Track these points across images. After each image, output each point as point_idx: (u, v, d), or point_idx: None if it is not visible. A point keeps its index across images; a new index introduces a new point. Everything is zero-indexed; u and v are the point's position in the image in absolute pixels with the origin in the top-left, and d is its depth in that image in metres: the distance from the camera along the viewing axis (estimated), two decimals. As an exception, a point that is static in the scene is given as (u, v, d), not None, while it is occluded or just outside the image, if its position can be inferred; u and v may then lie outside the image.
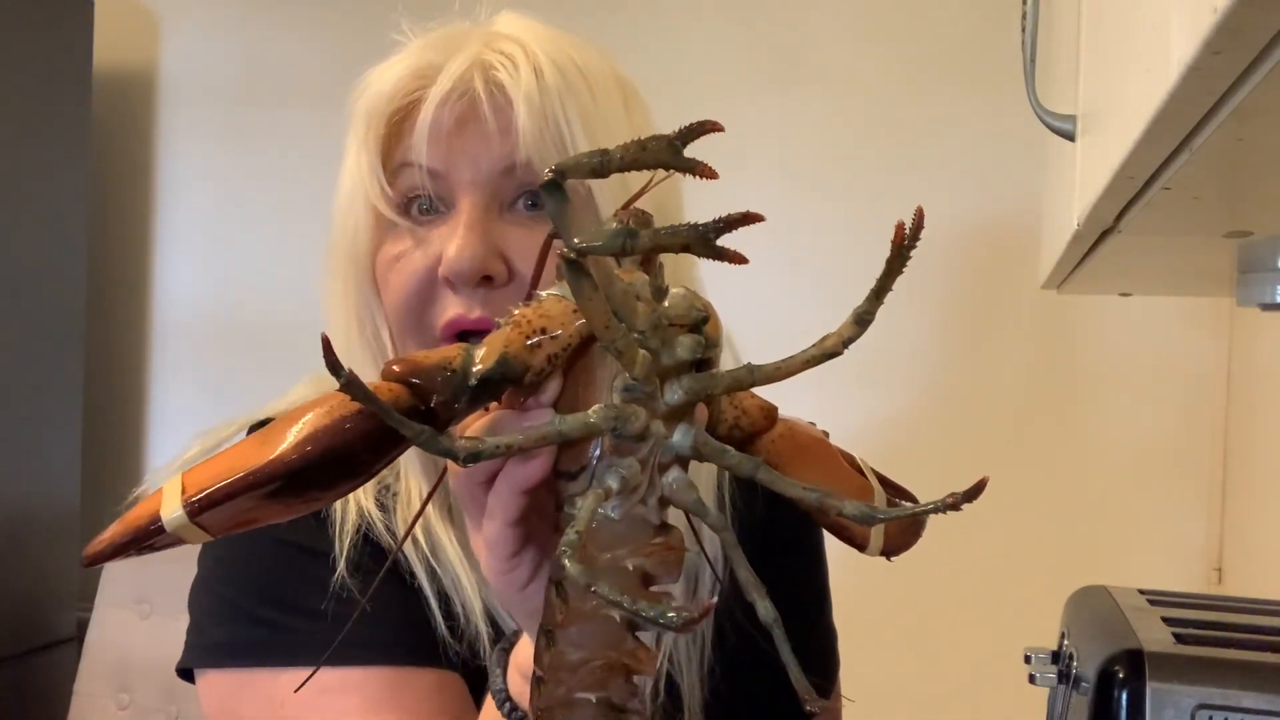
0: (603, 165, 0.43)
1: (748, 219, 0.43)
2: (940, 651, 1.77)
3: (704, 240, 0.44)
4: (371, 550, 0.75)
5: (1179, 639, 0.71)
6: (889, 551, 0.58)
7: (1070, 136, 0.70)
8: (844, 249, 1.80)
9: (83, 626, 1.78)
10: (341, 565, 0.74)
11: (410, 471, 0.77)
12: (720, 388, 0.50)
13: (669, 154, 0.44)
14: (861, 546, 0.58)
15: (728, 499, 0.82)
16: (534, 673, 0.52)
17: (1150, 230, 0.63)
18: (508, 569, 0.54)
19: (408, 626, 0.74)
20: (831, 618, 0.92)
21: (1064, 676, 0.80)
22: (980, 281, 1.80)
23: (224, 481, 0.46)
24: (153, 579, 1.70)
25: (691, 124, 0.44)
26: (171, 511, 0.46)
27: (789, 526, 0.88)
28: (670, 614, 0.43)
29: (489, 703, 0.63)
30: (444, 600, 0.75)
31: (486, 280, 0.70)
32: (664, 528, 0.51)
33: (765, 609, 0.50)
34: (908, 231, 0.48)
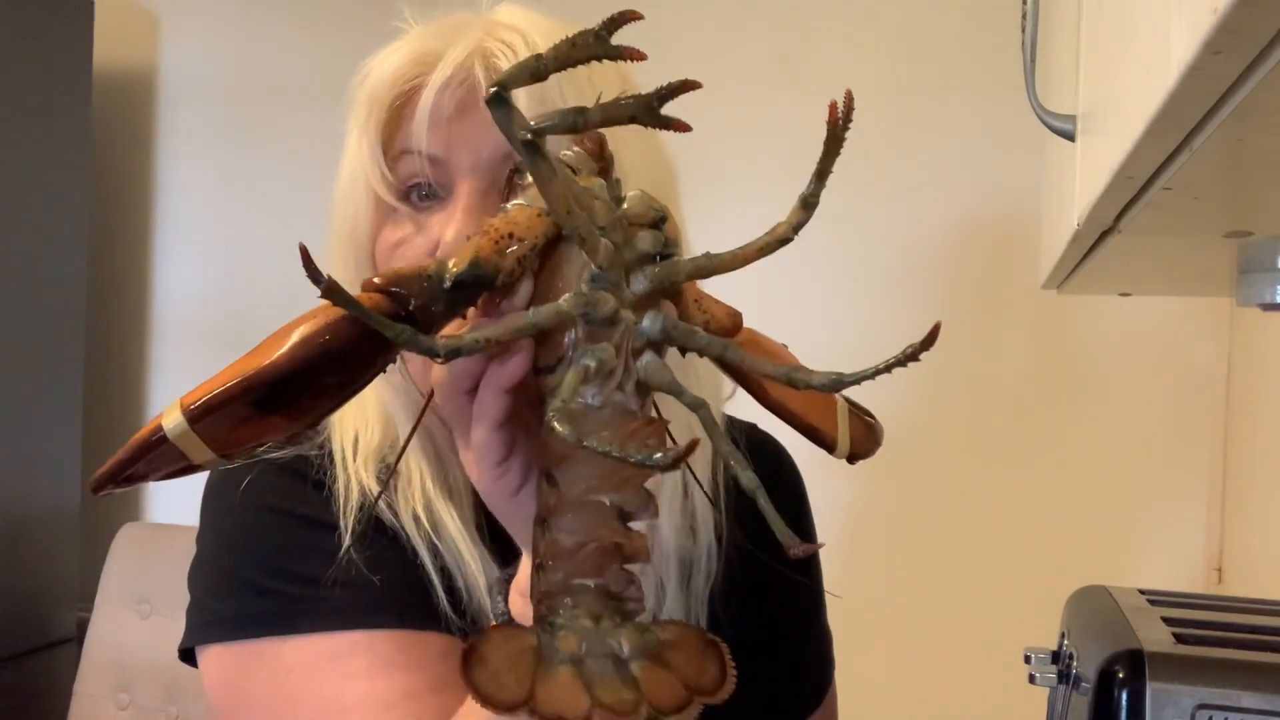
0: (539, 67, 0.46)
1: (686, 86, 0.45)
2: (940, 651, 1.77)
3: (649, 110, 0.46)
4: (374, 524, 0.76)
5: (1179, 639, 0.71)
6: (855, 455, 0.63)
7: (1070, 136, 0.70)
8: (844, 248, 1.80)
9: (83, 626, 1.78)
10: (348, 537, 0.74)
11: (410, 450, 0.78)
12: (683, 275, 0.53)
13: (597, 46, 0.46)
14: (831, 448, 0.63)
15: (721, 486, 0.83)
16: (532, 562, 0.54)
17: (1150, 230, 0.63)
18: (497, 475, 0.56)
19: (413, 594, 0.74)
20: (826, 619, 0.93)
21: (1064, 676, 0.80)
22: (980, 281, 1.80)
23: (219, 389, 0.48)
24: (153, 579, 1.70)
25: (614, 14, 0.46)
26: (172, 420, 0.48)
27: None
28: (657, 455, 0.45)
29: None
30: (446, 576, 0.75)
31: None
32: (643, 414, 0.53)
33: (747, 479, 0.52)
34: (840, 112, 0.52)
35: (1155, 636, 0.71)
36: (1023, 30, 0.79)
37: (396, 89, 0.73)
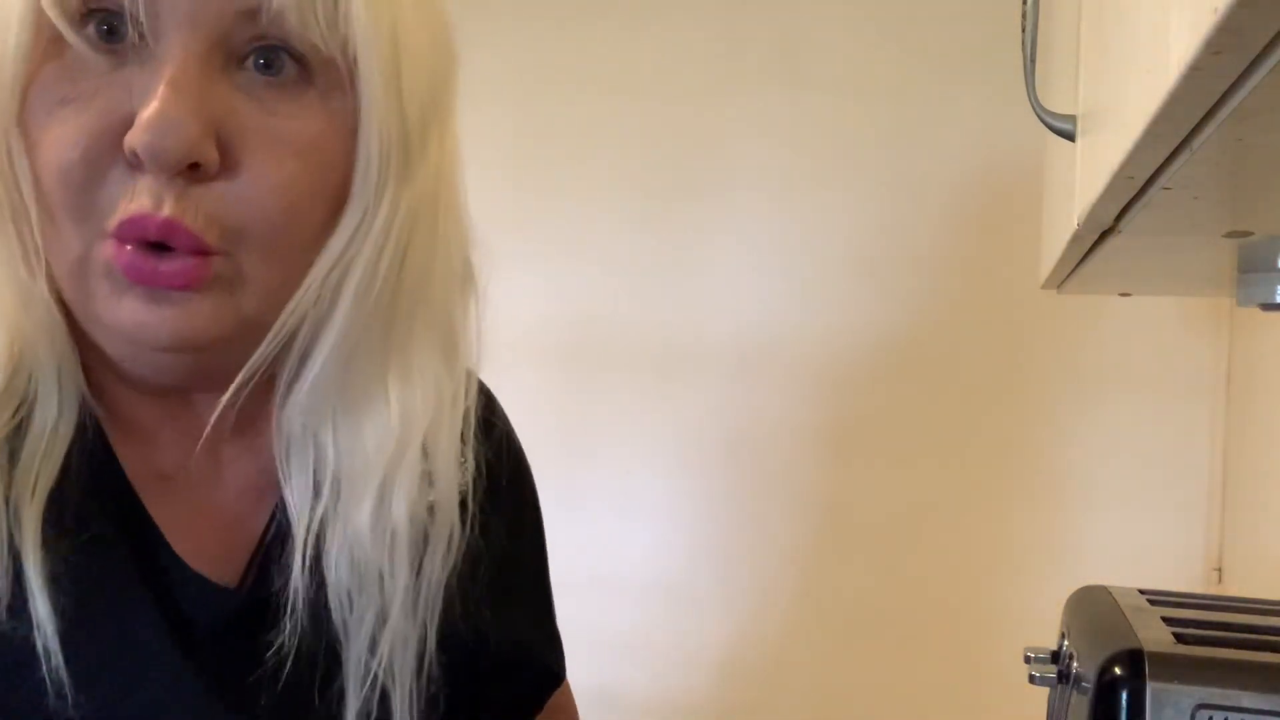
0: None
1: None
2: (940, 651, 1.77)
3: None
4: None
5: (1179, 639, 0.71)
6: None
7: (1070, 136, 0.70)
8: (843, 248, 1.80)
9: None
10: None
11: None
12: None
13: None
14: None
15: (471, 460, 0.65)
16: None
17: (1150, 230, 0.63)
18: None
19: None
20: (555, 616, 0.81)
21: (1064, 676, 0.80)
22: (980, 281, 1.80)
23: None
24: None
25: None
26: None
27: (528, 506, 0.78)
28: None
29: None
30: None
31: (192, 167, 0.50)
32: None
33: None
34: None
35: (1155, 636, 0.71)
36: (1023, 30, 0.80)
37: None
